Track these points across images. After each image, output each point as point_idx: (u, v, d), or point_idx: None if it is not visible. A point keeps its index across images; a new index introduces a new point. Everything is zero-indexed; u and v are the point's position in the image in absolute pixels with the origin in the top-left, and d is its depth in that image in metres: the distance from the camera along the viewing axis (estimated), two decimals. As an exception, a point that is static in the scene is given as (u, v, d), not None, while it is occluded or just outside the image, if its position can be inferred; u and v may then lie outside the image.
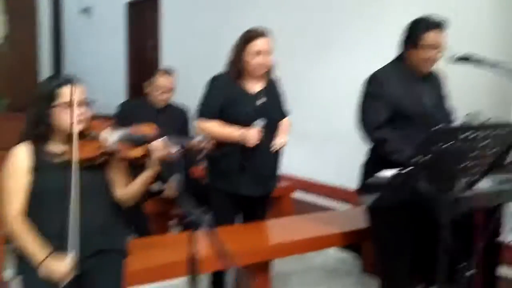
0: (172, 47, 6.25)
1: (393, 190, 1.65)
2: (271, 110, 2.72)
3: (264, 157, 2.67)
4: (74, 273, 1.90)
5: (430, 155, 1.53)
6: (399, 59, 2.48)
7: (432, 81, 2.51)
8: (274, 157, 2.76)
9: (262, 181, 2.72)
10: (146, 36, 6.97)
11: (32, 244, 1.89)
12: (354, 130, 2.48)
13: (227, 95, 2.64)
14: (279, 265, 3.50)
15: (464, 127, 1.73)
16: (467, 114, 2.73)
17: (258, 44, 2.59)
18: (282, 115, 2.84)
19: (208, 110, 2.66)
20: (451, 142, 1.57)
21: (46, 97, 1.97)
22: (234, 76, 2.65)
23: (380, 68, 2.47)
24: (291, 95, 4.44)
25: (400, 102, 2.36)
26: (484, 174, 1.80)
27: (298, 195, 4.29)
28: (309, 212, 3.50)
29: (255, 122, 2.57)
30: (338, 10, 4.11)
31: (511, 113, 2.69)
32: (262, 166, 2.68)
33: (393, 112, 2.36)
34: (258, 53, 2.59)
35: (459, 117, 2.66)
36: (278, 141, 2.71)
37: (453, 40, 2.43)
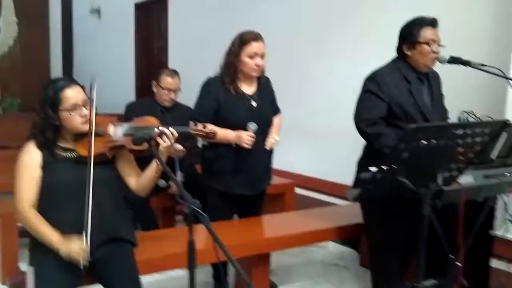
0: (179, 48, 6.35)
1: (375, 185, 1.75)
2: (264, 111, 2.81)
3: (258, 157, 2.76)
4: (88, 259, 2.01)
5: (408, 152, 1.64)
6: (398, 60, 2.55)
7: (429, 80, 2.57)
8: (266, 156, 2.86)
9: (255, 180, 2.82)
10: (153, 37, 7.10)
11: (47, 229, 1.99)
12: (355, 127, 2.53)
13: (221, 98, 2.71)
14: (280, 259, 3.63)
15: (443, 125, 1.84)
16: (460, 113, 2.84)
17: (254, 46, 2.68)
18: (274, 113, 2.94)
19: (202, 113, 2.73)
20: (430, 139, 1.67)
21: (50, 102, 2.02)
22: (229, 78, 2.73)
23: (380, 68, 2.55)
24: (293, 93, 4.58)
25: (398, 100, 2.43)
26: (463, 169, 1.91)
27: (300, 191, 4.38)
28: (310, 208, 3.62)
29: (249, 126, 2.66)
30: (340, 7, 4.15)
31: (504, 112, 2.77)
32: (256, 166, 2.78)
33: (391, 111, 2.43)
34: (255, 54, 2.68)
35: (453, 116, 2.76)
36: (270, 140, 2.80)
37: (445, 41, 2.52)
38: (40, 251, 2.04)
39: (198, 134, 2.16)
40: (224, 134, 2.68)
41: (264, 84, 2.87)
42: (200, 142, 2.25)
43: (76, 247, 1.94)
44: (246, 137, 2.64)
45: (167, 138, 2.05)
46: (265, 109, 2.82)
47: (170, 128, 2.08)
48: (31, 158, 2.06)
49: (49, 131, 2.05)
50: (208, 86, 2.77)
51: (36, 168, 2.05)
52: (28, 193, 2.03)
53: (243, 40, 2.70)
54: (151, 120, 2.21)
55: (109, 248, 2.11)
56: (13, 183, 2.06)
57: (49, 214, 2.05)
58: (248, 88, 2.80)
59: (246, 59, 2.69)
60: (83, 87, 2.12)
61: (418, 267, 1.85)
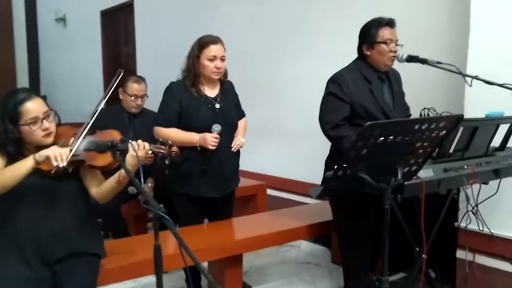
0: (147, 54, 6.33)
1: (337, 182, 1.80)
2: (228, 113, 2.84)
3: (224, 159, 2.79)
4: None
5: (366, 149, 1.69)
6: (358, 60, 2.61)
7: (390, 78, 2.63)
8: (233, 158, 2.89)
9: (223, 182, 2.84)
10: (121, 44, 7.05)
11: (16, 163, 1.92)
12: (321, 129, 2.59)
13: (184, 102, 2.74)
14: (253, 260, 3.67)
15: (400, 121, 1.89)
16: (422, 110, 2.93)
17: (213, 49, 2.71)
18: (239, 117, 2.98)
19: (165, 118, 2.75)
20: (388, 136, 1.72)
21: (10, 117, 1.96)
22: (191, 82, 2.75)
23: (341, 69, 2.60)
24: (264, 95, 4.62)
25: (360, 101, 2.48)
26: (422, 164, 1.97)
27: (271, 192, 4.43)
28: (281, 209, 3.66)
29: (213, 128, 2.69)
30: (310, 8, 4.19)
31: (464, 107, 2.86)
32: (222, 168, 2.80)
33: (353, 111, 2.48)
34: (214, 58, 2.71)
35: (415, 113, 2.84)
36: (236, 142, 2.84)
37: (403, 41, 2.59)
38: (5, 269, 1.99)
39: (161, 152, 2.11)
40: (189, 137, 2.70)
41: (227, 88, 2.90)
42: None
43: (56, 149, 1.89)
44: (210, 139, 2.66)
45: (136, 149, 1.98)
46: (228, 110, 2.85)
47: (139, 141, 2.02)
48: None
49: (10, 146, 2.00)
50: (171, 90, 2.78)
51: (1, 167, 1.99)
52: None
53: (202, 43, 2.73)
54: (114, 134, 2.13)
55: (72, 262, 2.07)
56: None
57: (5, 220, 2.02)
58: (211, 91, 2.83)
59: (206, 62, 2.72)
60: (44, 98, 2.07)
61: (382, 261, 1.90)
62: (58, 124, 2.13)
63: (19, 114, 1.96)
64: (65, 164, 1.88)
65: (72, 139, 2.04)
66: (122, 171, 2.01)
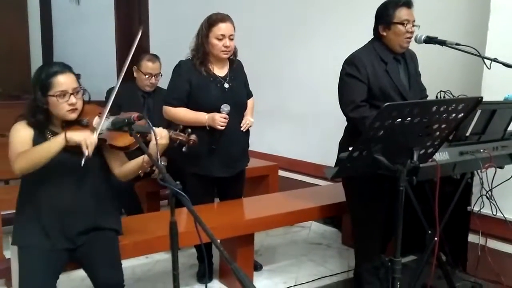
0: (161, 32, 6.31)
1: (352, 162, 1.79)
2: (238, 93, 2.83)
3: (233, 139, 2.78)
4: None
5: (383, 130, 1.68)
6: (374, 41, 2.57)
7: (406, 60, 2.60)
8: (242, 137, 2.88)
9: (232, 162, 2.84)
10: (134, 22, 7.02)
11: (45, 143, 1.96)
12: (338, 110, 2.56)
13: (193, 81, 2.72)
14: (264, 240, 3.70)
15: (418, 103, 1.87)
16: (438, 93, 2.90)
17: (222, 27, 2.68)
18: (247, 96, 2.96)
19: (174, 97, 2.75)
20: (405, 117, 1.71)
21: (41, 87, 2.01)
22: (199, 60, 2.73)
23: (356, 50, 2.57)
24: (276, 76, 4.60)
25: (376, 82, 2.46)
26: (439, 146, 1.95)
27: (283, 173, 4.43)
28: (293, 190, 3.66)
29: (221, 108, 2.68)
30: None
31: (481, 90, 2.83)
32: (231, 147, 2.80)
33: (370, 92, 2.46)
34: (223, 36, 2.69)
35: (432, 95, 2.81)
36: (245, 122, 2.84)
37: (421, 21, 2.55)
38: (24, 238, 2.06)
39: (179, 139, 2.12)
40: (197, 116, 2.70)
41: (236, 67, 2.88)
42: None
43: (87, 136, 1.93)
44: (219, 119, 2.66)
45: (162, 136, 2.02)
46: (238, 90, 2.83)
47: (160, 129, 2.05)
48: (24, 129, 2.05)
49: (39, 114, 2.04)
50: (180, 69, 2.77)
51: (28, 138, 2.04)
52: (20, 148, 2.00)
53: (211, 22, 2.71)
54: (135, 114, 2.08)
55: (91, 236, 2.13)
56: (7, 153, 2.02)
57: (29, 191, 2.06)
58: (220, 71, 2.81)
59: (214, 41, 2.70)
60: (78, 76, 2.10)
61: (395, 242, 1.90)
62: (87, 102, 2.15)
63: (49, 84, 2.00)
64: (90, 155, 1.92)
65: (97, 117, 2.08)
66: (145, 157, 2.04)
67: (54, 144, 1.94)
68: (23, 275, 2.00)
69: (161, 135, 2.02)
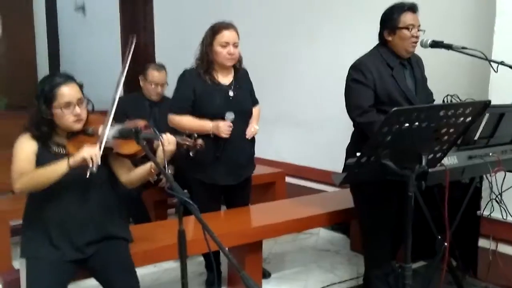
0: (166, 41, 6.34)
1: (360, 168, 1.78)
2: (242, 101, 2.83)
3: (238, 146, 2.78)
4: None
5: (391, 135, 1.67)
6: (379, 46, 2.57)
7: (412, 64, 2.60)
8: (247, 145, 2.88)
9: (238, 169, 2.84)
10: (139, 32, 7.06)
11: (50, 166, 1.95)
12: (344, 115, 2.56)
13: (197, 89, 2.73)
14: (272, 247, 3.69)
15: (425, 107, 1.86)
16: (445, 97, 2.89)
17: (226, 35, 2.69)
18: (253, 104, 2.95)
19: (179, 105, 2.76)
20: (413, 122, 1.70)
21: (45, 98, 2.01)
22: (204, 69, 2.74)
23: (362, 56, 2.56)
24: (282, 82, 4.60)
25: (383, 87, 2.45)
26: (447, 151, 1.94)
27: (290, 180, 4.42)
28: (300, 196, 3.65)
29: (226, 116, 2.69)
30: None
31: (488, 94, 2.81)
32: (236, 155, 2.79)
33: (377, 97, 2.46)
34: (226, 44, 2.70)
35: (439, 99, 2.79)
36: (250, 130, 2.83)
37: (427, 26, 2.55)
38: (32, 249, 2.06)
39: (186, 145, 2.12)
40: (202, 125, 2.70)
41: (241, 75, 2.88)
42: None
43: (89, 150, 1.92)
44: (224, 127, 2.66)
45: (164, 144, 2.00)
46: (242, 98, 2.83)
47: (167, 135, 2.05)
48: (28, 143, 2.05)
49: (43, 126, 2.04)
50: (184, 78, 2.78)
51: (32, 153, 2.04)
52: (23, 166, 2.01)
53: (215, 29, 2.72)
54: (141, 123, 2.11)
55: (103, 244, 2.13)
56: (11, 166, 2.03)
57: (36, 203, 2.07)
58: (224, 79, 2.81)
59: (218, 49, 2.71)
60: (81, 85, 2.11)
61: (405, 248, 1.88)
62: (91, 112, 2.16)
63: (53, 96, 2.00)
64: (94, 171, 1.91)
65: (101, 126, 2.07)
66: (153, 164, 2.02)
67: (58, 170, 1.95)
68: (30, 286, 2.00)
69: (168, 141, 2.03)
